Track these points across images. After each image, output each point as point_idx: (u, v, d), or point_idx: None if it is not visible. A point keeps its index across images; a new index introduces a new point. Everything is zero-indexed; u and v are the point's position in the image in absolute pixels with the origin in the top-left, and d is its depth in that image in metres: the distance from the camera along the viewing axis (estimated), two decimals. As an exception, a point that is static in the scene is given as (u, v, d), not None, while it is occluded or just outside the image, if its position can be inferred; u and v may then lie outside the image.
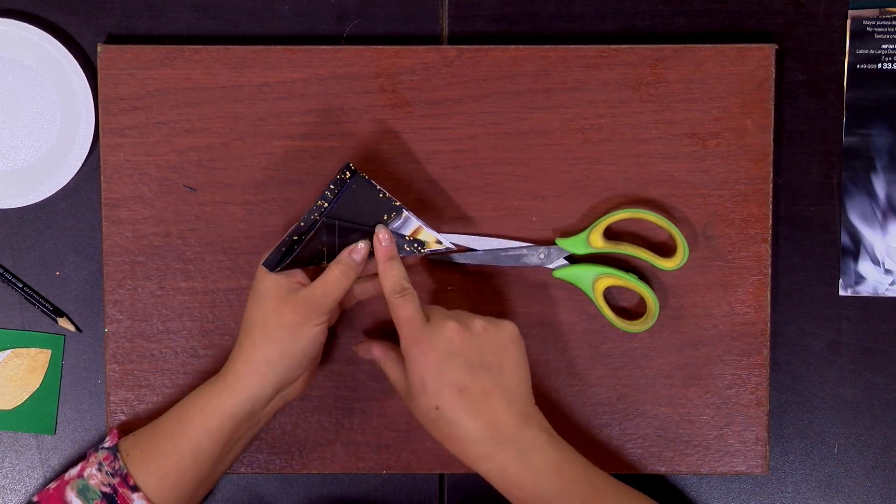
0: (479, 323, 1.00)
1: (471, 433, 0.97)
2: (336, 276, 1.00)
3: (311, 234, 1.00)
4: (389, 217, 1.02)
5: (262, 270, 1.01)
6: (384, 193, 1.02)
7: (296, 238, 1.01)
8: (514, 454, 0.97)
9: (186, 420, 1.01)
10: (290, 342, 0.99)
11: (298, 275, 1.01)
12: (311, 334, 0.99)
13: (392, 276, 1.01)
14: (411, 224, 1.03)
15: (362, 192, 1.01)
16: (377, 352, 1.05)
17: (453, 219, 1.08)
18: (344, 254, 1.01)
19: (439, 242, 1.04)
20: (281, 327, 0.99)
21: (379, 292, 1.05)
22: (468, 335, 0.98)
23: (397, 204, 1.02)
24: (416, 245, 1.04)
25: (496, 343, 0.99)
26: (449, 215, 1.08)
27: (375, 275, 1.05)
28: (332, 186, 1.01)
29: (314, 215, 1.01)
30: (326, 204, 1.01)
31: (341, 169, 1.01)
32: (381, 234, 1.02)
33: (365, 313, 1.09)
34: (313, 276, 1.02)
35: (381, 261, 1.02)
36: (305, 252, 1.01)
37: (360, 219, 1.02)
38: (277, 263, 1.00)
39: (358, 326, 1.09)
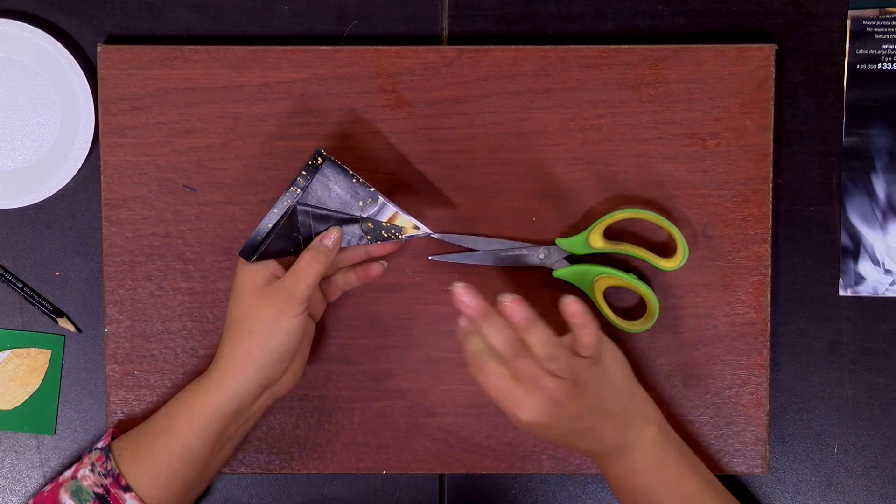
0: (585, 373, 0.96)
1: (579, 450, 1.00)
2: (306, 262, 0.99)
3: (283, 220, 1.00)
4: (365, 203, 1.02)
5: (240, 266, 1.01)
6: (358, 179, 1.01)
7: (270, 226, 1.00)
8: (616, 455, 0.99)
9: (175, 419, 1.01)
10: (269, 336, 0.99)
11: (274, 267, 1.01)
12: (289, 327, 0.99)
13: (469, 348, 0.96)
14: (388, 210, 1.02)
15: (335, 178, 1.01)
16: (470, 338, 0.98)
17: (454, 219, 1.08)
18: (315, 240, 1.01)
19: (416, 227, 1.03)
20: (258, 321, 0.99)
21: (362, 283, 1.05)
22: (570, 396, 0.95)
23: (372, 190, 1.01)
24: (393, 231, 1.03)
25: (599, 379, 0.98)
26: (449, 215, 1.08)
27: (358, 264, 1.05)
28: (304, 173, 1.00)
29: (287, 202, 1.01)
30: (299, 190, 1.00)
31: (313, 155, 1.00)
32: (459, 293, 0.96)
33: (363, 312, 1.09)
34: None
35: (459, 336, 0.97)
36: (280, 240, 1.00)
37: (336, 206, 1.01)
38: (253, 252, 1.00)
39: (356, 326, 1.09)
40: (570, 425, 0.97)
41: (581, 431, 0.98)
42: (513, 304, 0.94)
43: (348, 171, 1.01)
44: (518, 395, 0.94)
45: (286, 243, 1.01)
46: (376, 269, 1.05)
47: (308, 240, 1.01)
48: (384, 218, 1.03)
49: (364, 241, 1.03)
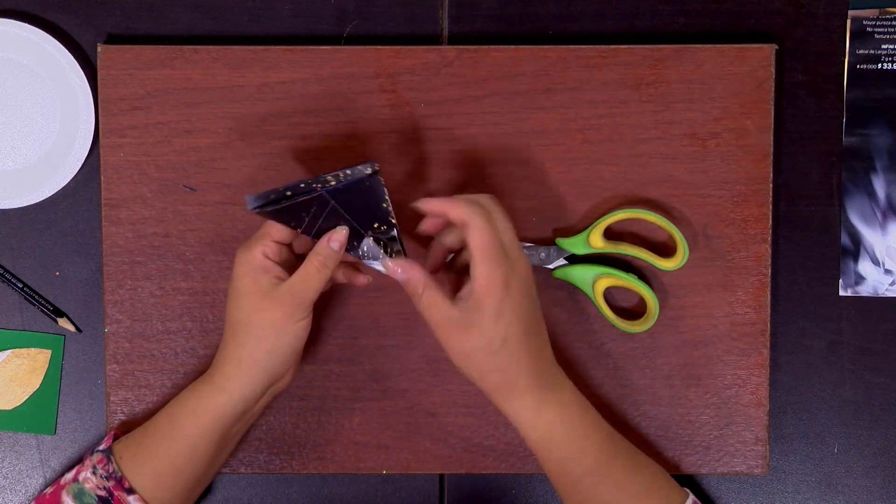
0: (512, 277, 0.97)
1: (525, 367, 0.98)
2: (315, 268, 0.98)
3: (305, 197, 0.97)
4: (380, 228, 1.01)
5: (239, 266, 0.99)
6: (388, 205, 0.99)
7: (288, 194, 0.98)
8: (552, 389, 1.00)
9: (178, 421, 1.01)
10: (276, 340, 0.98)
11: (276, 270, 0.99)
12: (295, 330, 0.99)
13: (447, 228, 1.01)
14: (394, 245, 1.01)
15: (372, 194, 0.99)
16: (416, 275, 0.98)
17: (453, 219, 1.08)
18: (322, 243, 0.99)
19: None
20: (265, 326, 0.98)
21: (349, 283, 1.04)
22: (532, 273, 0.98)
23: (393, 221, 1.00)
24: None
25: (528, 287, 0.99)
26: (449, 215, 1.08)
27: (348, 264, 1.03)
28: (348, 171, 0.98)
29: (316, 184, 0.97)
30: (334, 182, 0.98)
31: (367, 162, 0.98)
32: (394, 267, 0.99)
33: (363, 312, 1.09)
34: (290, 270, 1.00)
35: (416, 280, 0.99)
36: (289, 210, 0.98)
37: (354, 214, 1.00)
38: (260, 206, 0.98)
39: (356, 326, 1.09)
40: (530, 315, 0.97)
41: (532, 335, 0.98)
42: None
43: (385, 196, 0.99)
44: (506, 261, 0.96)
45: (291, 218, 0.98)
46: (361, 280, 1.03)
47: (312, 226, 0.99)
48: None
49: (361, 255, 1.01)
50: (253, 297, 0.99)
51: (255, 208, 0.98)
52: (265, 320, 0.98)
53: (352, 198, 0.99)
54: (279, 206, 0.97)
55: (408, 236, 1.04)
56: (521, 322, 0.97)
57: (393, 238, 1.00)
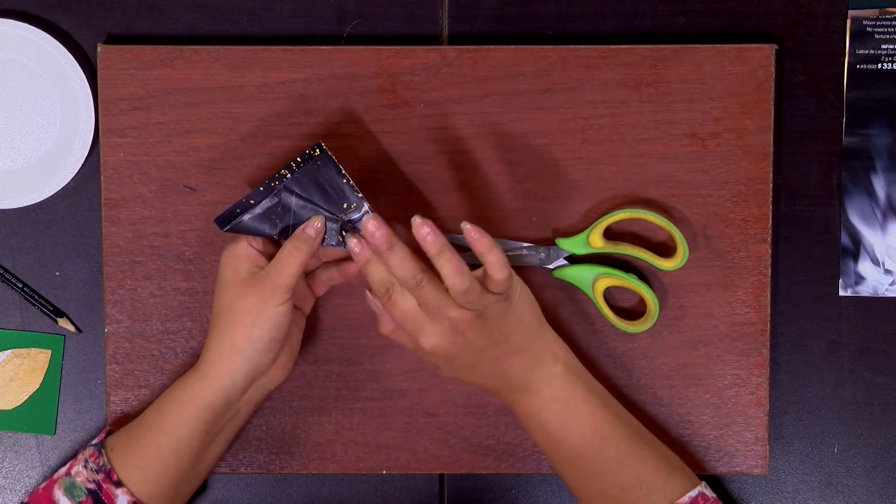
0: (492, 307, 0.97)
1: (485, 388, 1.02)
2: (288, 251, 0.99)
3: (265, 198, 1.00)
4: (349, 207, 1.01)
5: (224, 258, 1.01)
6: (349, 181, 1.00)
7: (252, 202, 1.00)
8: (524, 394, 1.01)
9: (165, 412, 1.02)
10: (254, 326, 0.99)
11: (256, 258, 1.01)
12: (273, 316, 0.99)
13: (373, 278, 0.99)
14: None
15: (326, 173, 1.00)
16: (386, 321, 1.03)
17: (453, 219, 1.08)
18: (298, 229, 1.00)
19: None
20: (243, 311, 0.99)
21: (345, 280, 1.05)
22: (472, 325, 0.97)
23: (360, 196, 1.00)
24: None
25: (505, 312, 0.98)
26: (449, 215, 1.08)
27: (340, 260, 1.05)
28: (298, 159, 1.00)
29: (274, 183, 1.00)
30: (289, 174, 1.00)
31: (312, 145, 1.00)
32: (351, 242, 0.99)
33: (363, 312, 1.09)
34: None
35: (360, 265, 1.00)
36: (259, 219, 1.00)
37: (320, 201, 1.01)
38: (228, 222, 1.00)
39: (356, 326, 1.09)
40: (473, 358, 0.99)
41: (484, 366, 0.99)
42: (426, 229, 0.94)
43: (341, 171, 1.00)
44: (421, 322, 0.97)
45: (264, 223, 1.00)
46: (353, 268, 1.04)
47: (286, 226, 1.00)
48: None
49: (338, 243, 1.01)
50: (233, 286, 1.00)
51: (227, 228, 0.99)
52: (243, 306, 0.99)
53: (310, 184, 1.00)
54: (248, 216, 0.99)
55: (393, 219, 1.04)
56: (464, 368, 1.00)
57: (367, 214, 1.00)
